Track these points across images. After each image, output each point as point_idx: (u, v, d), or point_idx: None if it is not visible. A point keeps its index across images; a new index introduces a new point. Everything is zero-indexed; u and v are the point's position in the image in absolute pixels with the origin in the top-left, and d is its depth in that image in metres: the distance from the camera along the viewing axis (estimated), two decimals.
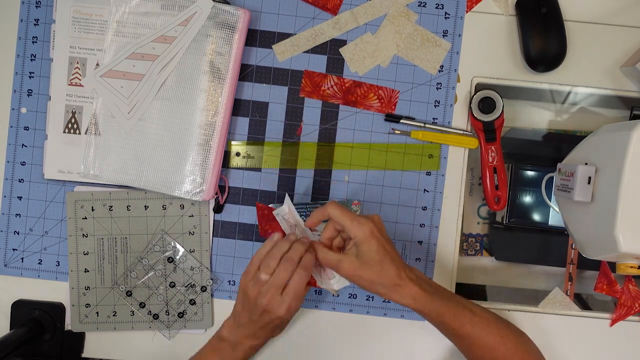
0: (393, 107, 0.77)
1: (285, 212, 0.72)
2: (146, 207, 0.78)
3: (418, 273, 0.66)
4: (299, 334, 0.79)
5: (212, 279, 0.79)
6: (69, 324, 0.79)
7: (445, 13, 0.77)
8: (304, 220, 0.70)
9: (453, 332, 0.66)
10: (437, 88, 0.78)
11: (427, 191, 0.78)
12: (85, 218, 0.78)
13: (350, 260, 0.62)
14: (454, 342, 0.69)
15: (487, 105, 0.76)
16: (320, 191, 0.78)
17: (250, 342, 0.68)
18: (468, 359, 0.70)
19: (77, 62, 0.76)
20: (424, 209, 0.78)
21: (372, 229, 0.62)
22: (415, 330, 0.79)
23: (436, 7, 0.77)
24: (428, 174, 0.78)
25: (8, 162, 0.79)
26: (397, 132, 0.78)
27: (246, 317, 0.66)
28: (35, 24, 0.78)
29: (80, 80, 0.76)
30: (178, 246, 0.78)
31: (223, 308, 0.79)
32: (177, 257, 0.78)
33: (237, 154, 0.78)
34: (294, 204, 0.73)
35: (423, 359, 0.79)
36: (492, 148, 0.77)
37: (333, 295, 0.78)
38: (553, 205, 0.80)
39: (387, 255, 0.62)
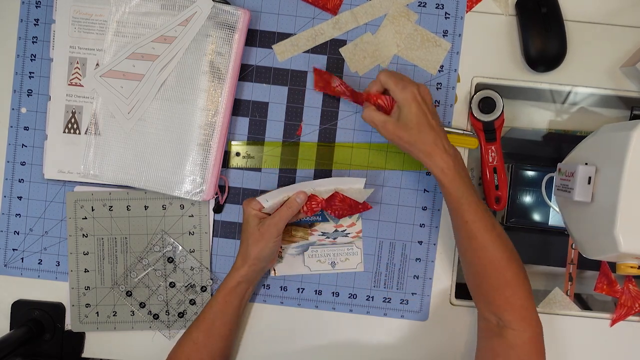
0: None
1: (270, 203, 0.72)
2: (146, 207, 0.78)
3: (457, 153, 0.68)
4: (299, 334, 0.79)
5: (212, 279, 0.79)
6: (69, 324, 0.79)
7: (445, 13, 0.77)
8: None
9: (466, 226, 0.65)
10: (437, 88, 0.78)
11: (427, 191, 0.78)
12: (85, 218, 0.78)
13: (392, 122, 0.66)
14: (463, 244, 0.68)
15: (487, 105, 0.76)
16: None
17: (239, 262, 0.72)
18: (468, 269, 0.69)
19: (77, 62, 0.76)
20: (424, 209, 0.78)
21: (414, 94, 0.65)
22: (415, 330, 0.79)
23: (436, 7, 0.77)
24: (428, 174, 0.78)
25: (8, 162, 0.79)
26: None
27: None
28: (35, 24, 0.78)
29: (80, 80, 0.76)
30: (178, 246, 0.78)
31: None
32: (177, 257, 0.78)
33: (237, 154, 0.78)
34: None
35: (423, 359, 0.79)
36: (492, 148, 0.77)
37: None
38: (553, 205, 0.80)
39: (426, 121, 0.65)
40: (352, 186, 0.73)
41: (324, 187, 0.72)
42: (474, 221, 0.65)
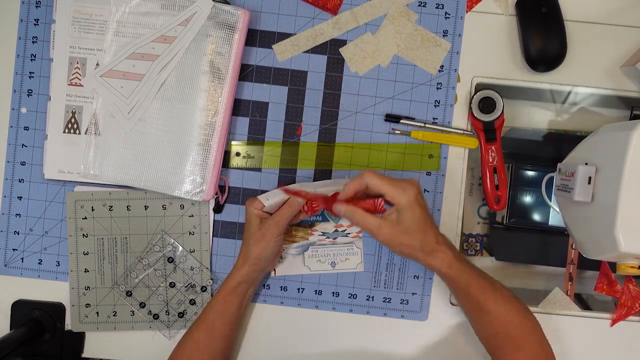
0: (382, 209, 0.68)
1: (271, 202, 0.71)
2: (146, 207, 0.78)
3: (449, 240, 0.67)
4: (299, 334, 0.79)
5: (212, 279, 0.79)
6: (69, 324, 0.79)
7: (446, 13, 0.77)
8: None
9: (477, 305, 0.67)
10: (437, 88, 0.78)
11: (427, 191, 0.78)
12: (85, 218, 0.78)
13: (390, 226, 0.62)
14: (475, 318, 0.70)
15: (487, 105, 0.76)
16: None
17: (240, 262, 0.71)
18: (481, 333, 0.71)
19: (77, 62, 0.76)
20: None
21: (416, 195, 0.62)
22: (415, 330, 0.78)
23: (436, 7, 0.77)
24: (428, 174, 0.78)
25: (8, 162, 0.79)
26: (397, 132, 0.77)
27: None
28: (35, 24, 0.78)
29: (80, 80, 0.76)
30: (178, 246, 0.78)
31: None
32: (177, 257, 0.78)
33: (237, 154, 0.78)
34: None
35: (423, 359, 0.79)
36: (492, 148, 0.77)
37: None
38: (553, 205, 0.80)
39: (429, 221, 0.64)
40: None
41: (325, 188, 0.72)
42: (485, 299, 0.66)
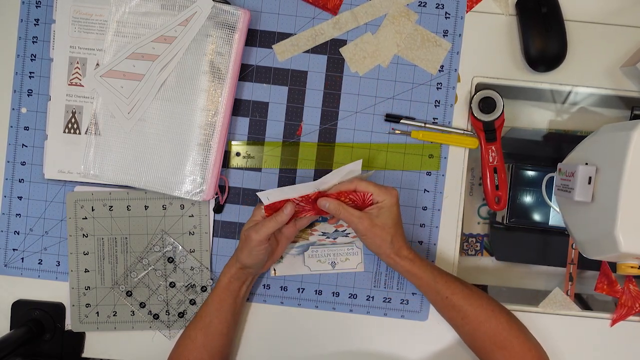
0: (370, 203, 0.71)
1: (271, 202, 0.71)
2: (146, 207, 0.78)
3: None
4: (299, 334, 0.79)
5: (212, 279, 0.79)
6: (69, 324, 0.79)
7: (446, 13, 0.77)
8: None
9: (447, 300, 0.70)
10: (438, 88, 0.78)
11: (427, 191, 0.78)
12: (86, 218, 0.78)
13: (370, 219, 0.69)
14: (450, 317, 0.72)
15: (487, 105, 0.76)
16: None
17: (232, 259, 0.73)
18: (463, 335, 0.73)
19: (77, 62, 0.76)
20: (424, 209, 0.78)
21: (397, 200, 0.70)
22: (415, 330, 0.79)
23: (436, 7, 0.77)
24: (428, 174, 0.78)
25: (8, 162, 0.79)
26: (397, 132, 0.78)
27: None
28: (35, 24, 0.78)
29: (80, 80, 0.76)
30: (178, 246, 0.78)
31: None
32: (177, 257, 0.78)
33: (237, 154, 0.78)
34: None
35: (423, 359, 0.79)
36: (493, 148, 0.77)
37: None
38: (553, 205, 0.80)
39: (401, 224, 0.71)
40: (353, 174, 0.72)
41: (327, 185, 0.72)
42: (452, 294, 0.70)
